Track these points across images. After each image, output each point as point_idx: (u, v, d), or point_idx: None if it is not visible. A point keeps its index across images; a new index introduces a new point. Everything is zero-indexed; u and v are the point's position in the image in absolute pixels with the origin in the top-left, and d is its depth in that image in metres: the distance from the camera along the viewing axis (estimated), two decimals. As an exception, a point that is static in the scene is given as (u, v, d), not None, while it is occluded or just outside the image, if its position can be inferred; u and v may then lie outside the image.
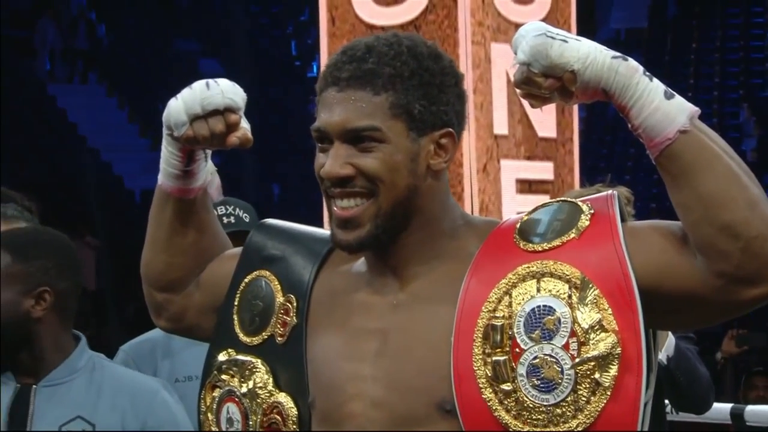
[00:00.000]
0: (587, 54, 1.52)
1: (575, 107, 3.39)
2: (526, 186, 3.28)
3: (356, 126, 1.57)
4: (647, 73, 1.53)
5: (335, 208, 1.60)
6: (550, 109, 3.30)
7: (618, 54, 1.53)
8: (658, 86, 1.53)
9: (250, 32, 16.24)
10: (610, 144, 14.61)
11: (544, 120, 3.31)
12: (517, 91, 1.57)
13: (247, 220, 2.79)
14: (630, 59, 1.54)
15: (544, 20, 3.30)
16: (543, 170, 3.31)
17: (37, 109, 15.35)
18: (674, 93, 1.53)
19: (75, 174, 14.30)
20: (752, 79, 14.65)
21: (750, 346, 5.86)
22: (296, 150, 14.97)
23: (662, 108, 1.51)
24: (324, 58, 3.31)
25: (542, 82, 1.53)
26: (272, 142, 14.48)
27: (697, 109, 1.53)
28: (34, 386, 2.20)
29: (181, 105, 1.68)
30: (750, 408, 4.09)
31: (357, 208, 1.59)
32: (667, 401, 3.24)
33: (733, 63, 15.06)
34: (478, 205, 3.13)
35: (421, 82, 1.59)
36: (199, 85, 1.68)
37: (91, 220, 12.37)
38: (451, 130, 1.61)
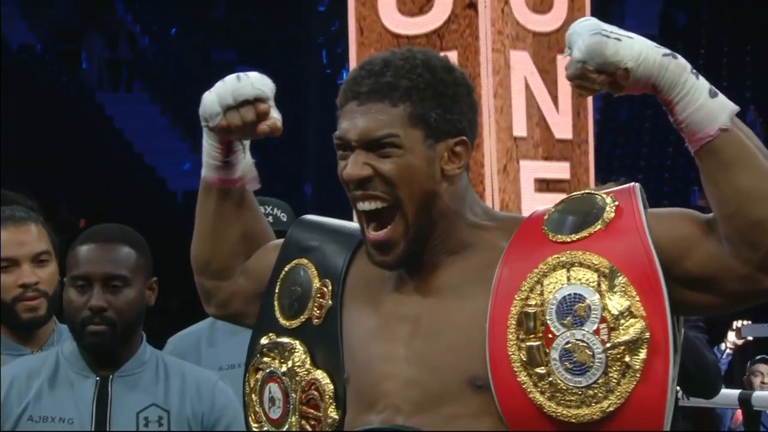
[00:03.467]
0: (640, 52, 1.52)
1: (590, 111, 3.38)
2: (544, 185, 3.27)
3: (377, 135, 1.57)
4: (694, 71, 1.53)
5: (368, 234, 1.61)
6: (566, 111, 3.30)
7: (668, 51, 1.53)
8: (703, 84, 1.53)
9: (284, 42, 16.27)
10: (622, 145, 14.55)
11: (561, 123, 3.30)
12: (569, 83, 1.56)
13: (285, 220, 2.79)
14: (679, 57, 1.53)
15: (560, 29, 3.30)
16: (560, 170, 3.30)
17: (86, 116, 15.45)
18: (717, 91, 1.53)
19: (121, 177, 14.37)
20: (759, 82, 14.57)
21: (753, 337, 5.83)
22: (327, 152, 15.00)
23: (706, 106, 1.51)
24: (353, 66, 3.31)
25: (596, 78, 1.53)
26: (304, 145, 14.51)
27: (737, 107, 1.53)
28: (111, 377, 2.23)
29: (214, 97, 1.70)
30: (757, 393, 4.08)
31: (387, 231, 1.59)
32: (678, 386, 3.22)
33: (741, 67, 14.98)
34: (498, 203, 3.13)
35: (435, 93, 1.59)
36: (230, 78, 1.70)
37: (136, 219, 12.42)
38: (464, 138, 1.61)
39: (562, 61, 3.29)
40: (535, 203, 3.23)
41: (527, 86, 3.21)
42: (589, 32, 1.52)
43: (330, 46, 17.55)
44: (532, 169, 3.25)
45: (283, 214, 2.83)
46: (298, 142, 14.14)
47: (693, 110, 1.51)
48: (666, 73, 1.52)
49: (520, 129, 3.22)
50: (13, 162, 13.33)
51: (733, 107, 1.52)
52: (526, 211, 3.21)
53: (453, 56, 3.07)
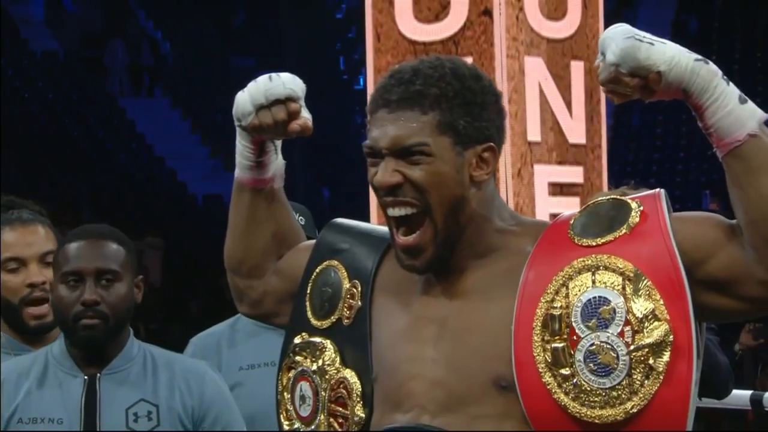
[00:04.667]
0: (672, 57, 1.52)
1: (603, 116, 3.38)
2: (558, 189, 3.27)
3: (407, 144, 1.58)
4: (725, 77, 1.53)
5: (397, 238, 1.62)
6: (580, 117, 3.29)
7: (700, 57, 1.53)
8: (733, 90, 1.52)
9: (302, 49, 16.29)
10: (635, 150, 14.51)
11: (574, 128, 3.29)
12: (601, 88, 1.56)
13: (303, 223, 2.79)
14: (710, 63, 1.53)
15: (573, 36, 3.30)
16: (573, 174, 3.30)
17: (108, 121, 15.49)
18: (747, 98, 1.53)
19: (143, 180, 14.41)
20: (769, 88, 14.53)
21: (766, 338, 5.80)
22: (344, 156, 15.02)
23: (736, 112, 1.51)
24: (370, 72, 3.32)
25: (629, 81, 1.53)
26: (322, 149, 14.52)
27: (765, 115, 1.53)
28: (98, 374, 2.22)
29: (247, 97, 1.72)
30: (769, 395, 4.04)
31: (416, 236, 1.60)
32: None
33: (752, 73, 14.93)
34: (513, 207, 3.12)
35: (464, 101, 1.60)
36: (263, 78, 1.73)
37: (157, 222, 12.45)
38: (492, 144, 1.62)
39: (576, 67, 3.28)
40: (548, 207, 3.22)
41: (541, 92, 3.21)
42: (622, 36, 1.52)
43: (347, 52, 17.55)
44: (546, 173, 3.24)
45: (301, 217, 2.83)
46: (315, 147, 14.15)
47: (722, 115, 1.51)
48: (697, 78, 1.52)
49: (534, 134, 3.22)
50: (39, 165, 13.38)
51: (762, 114, 1.52)
52: (540, 214, 3.20)
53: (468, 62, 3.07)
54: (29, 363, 2.25)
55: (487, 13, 3.16)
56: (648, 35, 1.53)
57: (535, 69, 3.19)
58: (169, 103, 16.47)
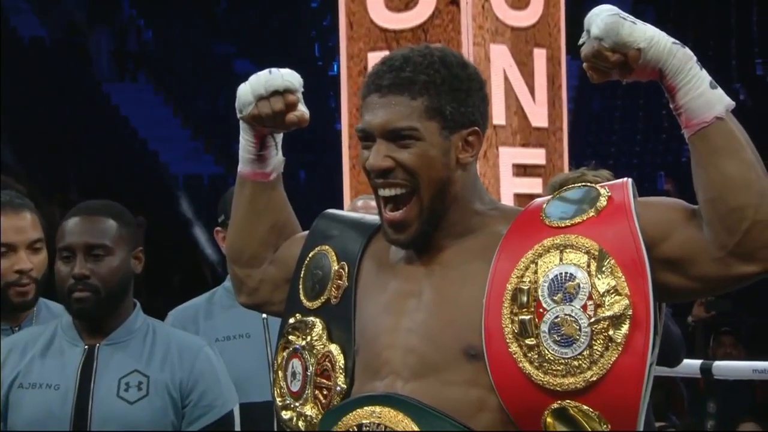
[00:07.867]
0: (652, 36, 1.54)
1: (564, 101, 3.39)
2: (522, 170, 3.28)
3: (397, 126, 1.61)
4: (698, 62, 1.55)
5: (385, 214, 1.65)
6: (542, 102, 3.30)
7: (677, 41, 1.56)
8: (705, 76, 1.55)
9: (279, 36, 16.23)
10: (595, 133, 14.57)
11: (537, 112, 3.31)
12: (584, 64, 1.57)
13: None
14: (686, 48, 1.55)
15: (536, 24, 3.30)
16: (536, 156, 3.31)
17: (93, 105, 15.39)
18: (717, 85, 1.55)
19: (127, 161, 14.34)
20: (722, 76, 14.60)
21: (717, 311, 5.85)
22: (319, 140, 15.00)
23: (706, 95, 1.53)
24: (343, 59, 3.31)
25: (610, 56, 1.54)
26: (298, 132, 14.47)
27: (733, 102, 1.55)
28: (98, 345, 2.22)
29: (248, 88, 1.76)
30: (717, 363, 4.09)
31: (403, 212, 1.63)
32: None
33: (705, 61, 14.98)
34: (479, 187, 3.14)
35: (451, 87, 1.62)
36: (263, 72, 1.76)
37: (141, 201, 12.40)
38: (477, 128, 1.65)
39: (538, 54, 3.29)
40: (512, 187, 3.24)
41: (506, 78, 3.22)
42: (608, 13, 1.55)
43: (322, 39, 17.50)
44: (510, 155, 3.26)
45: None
46: (292, 130, 14.11)
47: (693, 96, 1.53)
48: (673, 59, 1.54)
49: (499, 118, 3.23)
50: (28, 149, 13.29)
51: (729, 101, 1.54)
52: (504, 194, 3.22)
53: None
54: (38, 333, 2.27)
55: (455, 2, 3.16)
56: (631, 16, 1.56)
57: (500, 56, 3.20)
58: (152, 88, 16.37)
